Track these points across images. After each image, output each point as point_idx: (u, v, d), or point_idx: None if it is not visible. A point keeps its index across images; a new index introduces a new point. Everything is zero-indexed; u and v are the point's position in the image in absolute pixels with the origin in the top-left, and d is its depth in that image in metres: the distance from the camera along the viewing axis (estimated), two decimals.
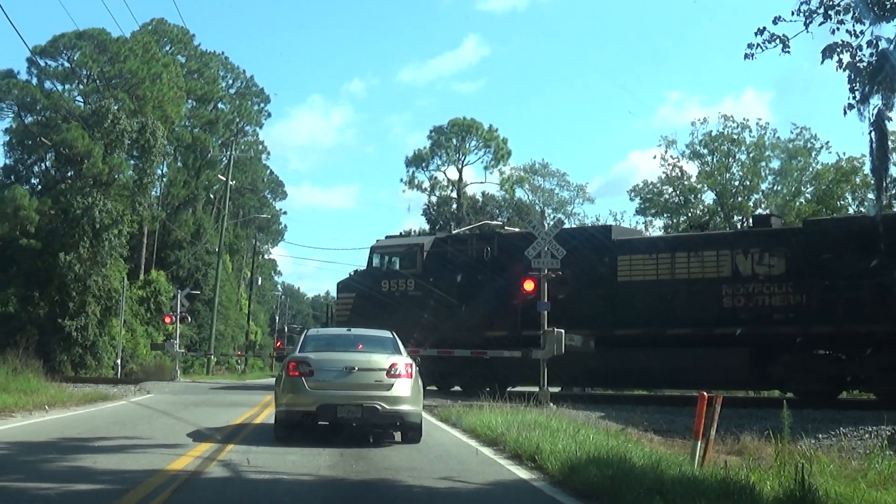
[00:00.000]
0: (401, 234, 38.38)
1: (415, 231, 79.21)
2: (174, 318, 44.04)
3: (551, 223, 28.68)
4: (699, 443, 13.28)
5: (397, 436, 15.52)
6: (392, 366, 14.82)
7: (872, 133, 10.93)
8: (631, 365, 27.33)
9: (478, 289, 29.40)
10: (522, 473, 12.08)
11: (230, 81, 77.77)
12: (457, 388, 31.23)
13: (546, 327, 26.26)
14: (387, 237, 33.91)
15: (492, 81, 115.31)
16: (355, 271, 33.07)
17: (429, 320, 29.26)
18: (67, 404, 22.36)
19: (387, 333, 16.70)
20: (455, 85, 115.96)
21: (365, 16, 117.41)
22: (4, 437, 14.42)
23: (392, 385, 14.63)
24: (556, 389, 28.00)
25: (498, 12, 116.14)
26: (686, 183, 61.44)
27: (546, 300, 26.28)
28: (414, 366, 15.25)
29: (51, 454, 12.24)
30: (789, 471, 10.81)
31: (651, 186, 63.49)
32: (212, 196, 75.47)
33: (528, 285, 26.83)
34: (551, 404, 24.36)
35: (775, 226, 27.93)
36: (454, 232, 36.60)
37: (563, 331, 26.27)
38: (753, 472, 11.31)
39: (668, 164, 61.43)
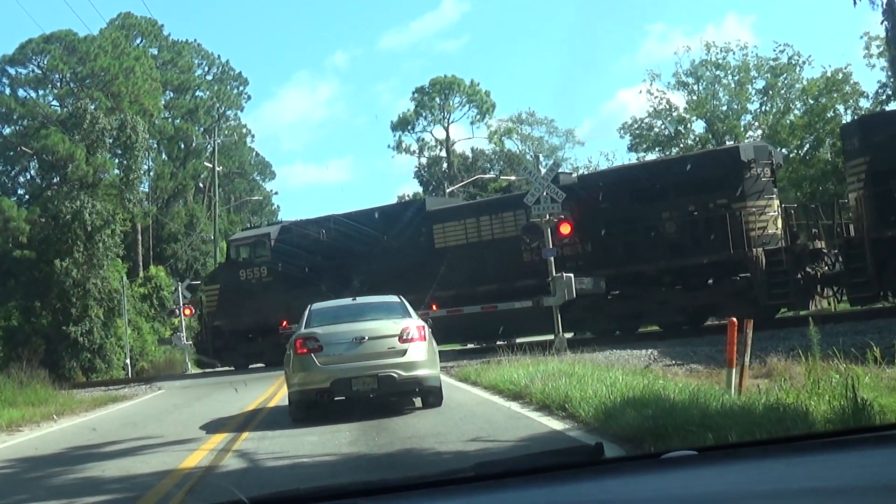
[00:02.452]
0: (250, 226, 42.44)
1: (409, 195, 79.00)
2: (193, 311, 41.75)
3: (547, 168, 28.05)
4: (733, 371, 12.68)
5: (417, 402, 14.91)
6: (403, 330, 14.12)
7: (886, 22, 10.18)
8: (455, 323, 28.65)
9: (318, 269, 31.28)
10: (554, 424, 11.46)
11: (206, 68, 76.62)
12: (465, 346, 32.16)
13: (554, 273, 25.96)
14: (241, 230, 37.49)
15: (474, 36, 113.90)
16: (219, 265, 36.04)
17: (281, 301, 31.06)
18: (77, 411, 21.71)
19: (394, 298, 16.01)
20: (438, 44, 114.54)
21: None
22: (9, 455, 13.75)
23: (406, 350, 13.95)
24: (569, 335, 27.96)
25: None
26: (675, 114, 60.59)
27: (551, 246, 25.86)
28: (426, 328, 14.56)
29: (57, 467, 11.59)
30: (832, 388, 10.19)
31: (640, 122, 62.47)
32: (201, 185, 74.51)
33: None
34: (568, 351, 23.91)
35: (563, 182, 28.30)
36: (448, 190, 37.52)
37: (572, 275, 25.88)
38: (800, 394, 10.64)
39: (655, 98, 60.35)
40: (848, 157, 26.91)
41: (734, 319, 12.69)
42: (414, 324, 14.36)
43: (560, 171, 30.40)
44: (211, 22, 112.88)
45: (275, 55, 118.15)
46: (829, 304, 27.96)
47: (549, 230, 26.06)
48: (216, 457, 11.11)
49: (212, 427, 14.67)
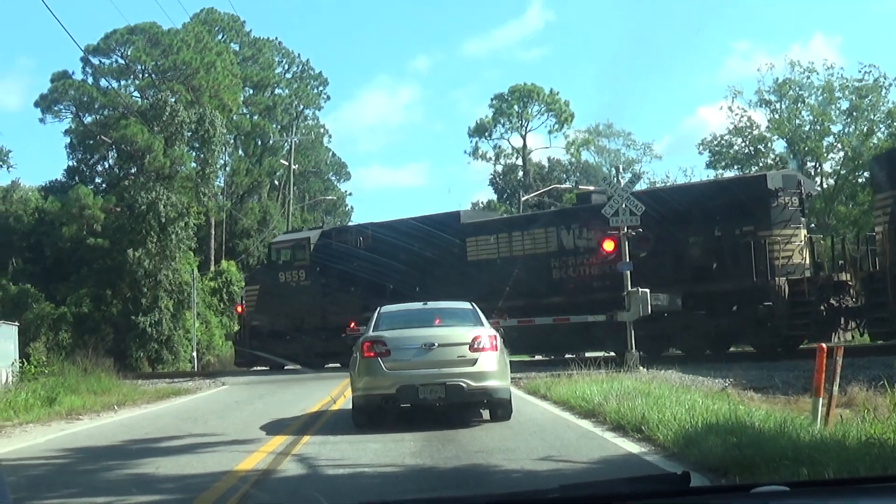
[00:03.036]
0: (292, 229, 43.54)
1: (482, 202, 78.50)
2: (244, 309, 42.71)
3: (626, 180, 27.39)
4: (820, 400, 11.94)
5: (485, 413, 14.36)
6: (475, 339, 13.59)
7: None
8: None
9: (354, 275, 32.14)
10: (630, 447, 10.84)
11: (286, 66, 76.92)
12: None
13: (629, 288, 25.34)
14: (283, 233, 38.13)
15: (557, 46, 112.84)
16: (259, 265, 37.33)
17: (318, 305, 32.79)
18: (139, 402, 21.53)
19: (466, 304, 15.49)
20: (520, 53, 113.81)
21: None
22: (66, 444, 13.48)
23: (476, 360, 13.41)
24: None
25: None
26: (755, 133, 59.54)
27: (627, 259, 25.31)
28: (498, 337, 14.01)
29: (111, 460, 11.24)
30: None
31: (720, 139, 61.71)
32: (276, 182, 74.78)
33: (608, 245, 25.77)
34: (641, 367, 23.36)
35: (595, 201, 29.10)
36: (523, 199, 37.93)
37: (647, 290, 25.28)
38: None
39: (736, 115, 59.55)
40: (876, 191, 26.91)
41: (823, 346, 11.94)
42: (486, 332, 13.83)
43: (594, 189, 31.31)
44: (294, 21, 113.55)
45: (357, 57, 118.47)
46: (853, 337, 27.00)
47: (626, 243, 25.57)
48: (274, 460, 10.67)
49: (272, 428, 14.27)
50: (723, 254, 26.56)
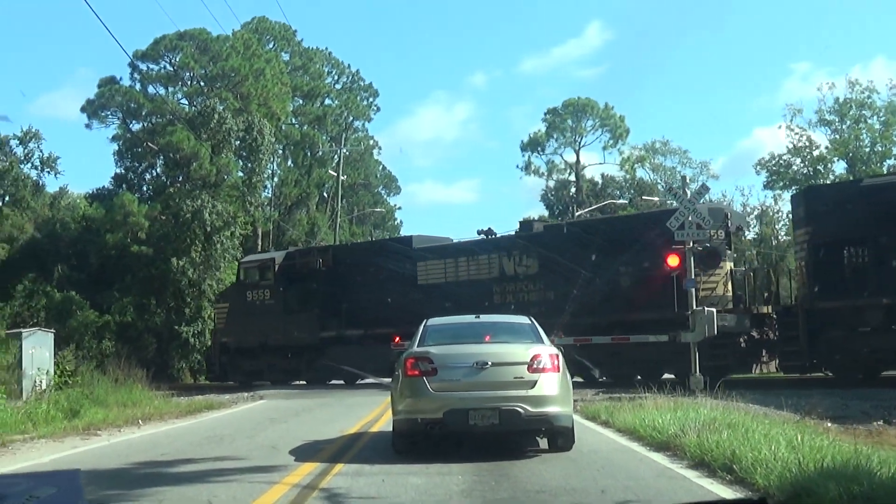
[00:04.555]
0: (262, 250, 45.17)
1: (535, 218, 76.70)
2: None
3: (693, 191, 25.60)
4: None
5: (542, 442, 12.69)
6: (534, 358, 11.91)
7: None
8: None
9: (314, 295, 33.70)
10: (721, 490, 9.09)
11: (336, 77, 75.80)
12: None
13: (695, 306, 23.76)
14: (251, 255, 39.73)
15: (614, 65, 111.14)
16: (230, 284, 39.02)
17: (281, 323, 33.90)
18: (167, 417, 20.04)
19: (524, 319, 13.82)
20: (577, 71, 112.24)
21: (486, 6, 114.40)
22: (71, 465, 11.92)
23: (536, 382, 11.74)
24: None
25: None
26: (815, 153, 58.13)
27: (692, 276, 23.74)
28: (561, 357, 12.30)
29: (111, 489, 9.67)
30: None
31: (778, 159, 60.26)
32: (325, 195, 73.64)
33: (673, 260, 24.24)
34: (705, 393, 21.66)
35: (536, 230, 30.86)
36: (576, 215, 38.59)
37: (714, 309, 23.66)
38: None
39: (796, 135, 58.34)
40: (795, 226, 28.26)
41: None
42: (547, 351, 12.14)
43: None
44: (351, 36, 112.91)
45: (415, 73, 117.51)
46: (775, 369, 27.28)
47: (692, 259, 23.94)
48: (298, 496, 9.07)
49: (303, 452, 12.69)
50: (648, 284, 26.53)
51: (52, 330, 27.53)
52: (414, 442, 12.15)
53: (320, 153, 70.23)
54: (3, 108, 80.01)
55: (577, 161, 78.59)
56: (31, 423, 16.99)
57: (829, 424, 18.06)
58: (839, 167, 58.15)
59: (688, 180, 26.86)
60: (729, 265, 27.56)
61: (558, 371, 12.02)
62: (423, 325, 13.43)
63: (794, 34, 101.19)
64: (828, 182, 53.73)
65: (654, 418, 14.11)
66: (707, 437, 11.15)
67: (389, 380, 22.91)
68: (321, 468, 11.03)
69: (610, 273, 27.13)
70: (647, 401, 17.74)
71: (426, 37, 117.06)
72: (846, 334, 24.26)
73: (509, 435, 12.35)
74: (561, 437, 12.26)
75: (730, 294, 27.06)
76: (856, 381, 23.78)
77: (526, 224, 33.77)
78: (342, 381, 32.20)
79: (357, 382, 31.22)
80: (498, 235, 32.05)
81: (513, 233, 32.63)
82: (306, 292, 33.74)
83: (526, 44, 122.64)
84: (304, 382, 33.05)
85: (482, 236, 31.79)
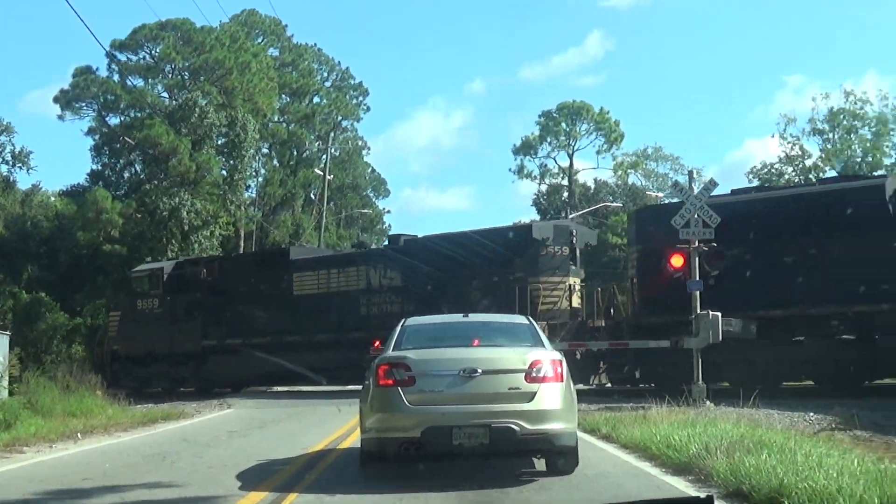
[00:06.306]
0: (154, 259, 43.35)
1: (525, 221, 74.82)
2: None
3: (700, 187, 23.63)
4: None
5: (539, 463, 10.63)
6: (533, 365, 9.81)
7: None
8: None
9: (198, 305, 33.88)
10: None
11: (325, 74, 73.63)
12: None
13: (701, 310, 21.87)
14: (142, 265, 39.62)
15: (612, 75, 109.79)
16: (123, 293, 39.19)
17: (167, 332, 33.86)
18: (113, 429, 17.74)
19: (521, 318, 11.73)
20: (576, 79, 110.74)
21: (487, 13, 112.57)
22: None
23: (535, 393, 9.66)
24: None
25: (622, 6, 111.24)
26: (807, 162, 57.94)
27: (698, 278, 22.00)
28: (564, 363, 10.19)
29: None
30: None
31: (769, 167, 59.97)
32: (311, 196, 71.54)
33: (677, 260, 22.58)
34: (708, 402, 20.24)
35: (401, 244, 31.48)
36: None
37: (719, 313, 21.88)
38: None
39: (788, 143, 58.28)
40: (628, 244, 30.31)
41: None
42: (548, 356, 10.02)
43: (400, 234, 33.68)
44: (350, 39, 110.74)
45: (413, 77, 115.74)
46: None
47: (697, 259, 22.09)
48: None
49: (253, 477, 10.54)
50: (497, 297, 27.19)
51: (8, 332, 25.39)
52: (386, 464, 10.05)
53: (307, 153, 68.21)
54: None
55: (571, 165, 76.92)
56: None
57: (859, 432, 16.68)
58: (831, 175, 57.60)
59: (695, 175, 24.73)
60: (573, 279, 28.65)
61: (561, 380, 9.93)
62: (400, 324, 11.29)
63: (788, 47, 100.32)
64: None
65: (668, 434, 12.07)
66: (742, 460, 9.06)
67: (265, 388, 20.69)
68: (269, 499, 8.91)
69: (462, 285, 28.06)
70: (652, 411, 16.05)
71: (425, 40, 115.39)
72: (671, 348, 23.73)
73: (501, 456, 10.32)
74: (562, 458, 10.21)
75: (570, 308, 28.07)
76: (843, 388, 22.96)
77: (394, 237, 35.00)
78: (229, 389, 32.12)
79: (242, 391, 31.67)
80: (368, 248, 33.18)
81: (382, 246, 33.22)
82: (191, 302, 34.22)
83: (526, 51, 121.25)
84: (193, 390, 32.84)
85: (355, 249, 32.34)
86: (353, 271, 31.31)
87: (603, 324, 27.79)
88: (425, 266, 28.85)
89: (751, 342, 23.79)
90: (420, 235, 31.85)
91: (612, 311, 28.43)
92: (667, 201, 29.15)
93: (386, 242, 33.26)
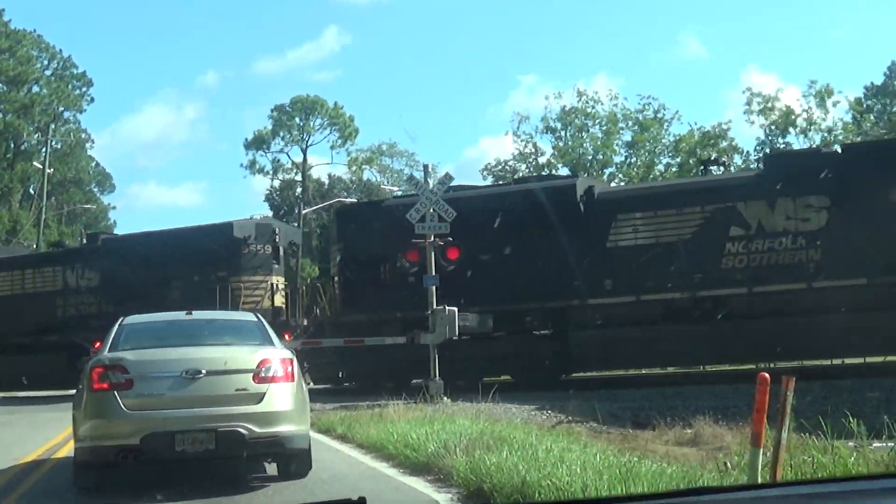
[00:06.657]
0: None
1: (259, 217, 73.62)
2: None
3: (436, 181, 23.72)
4: (759, 450, 8.42)
5: (270, 468, 10.24)
6: (262, 364, 9.44)
7: None
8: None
9: None
10: None
11: (45, 62, 69.79)
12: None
13: (435, 305, 22.13)
14: None
15: (348, 70, 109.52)
16: None
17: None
18: None
19: (249, 316, 11.39)
20: (313, 75, 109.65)
21: (220, 3, 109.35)
22: None
23: (264, 394, 9.31)
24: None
25: (360, 2, 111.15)
26: (541, 159, 59.52)
27: (434, 273, 22.29)
28: (295, 362, 9.85)
29: None
30: None
31: (504, 164, 61.28)
32: (31, 191, 67.80)
33: (412, 256, 22.92)
34: (445, 398, 20.32)
35: (98, 243, 31.74)
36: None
37: (455, 309, 22.11)
38: None
39: (522, 141, 59.49)
40: (330, 243, 30.53)
41: (766, 375, 8.41)
42: (277, 355, 9.67)
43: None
44: (72, 25, 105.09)
45: (143, 70, 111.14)
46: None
47: (433, 254, 22.26)
48: None
49: None
50: (199, 296, 26.13)
51: None
52: (103, 476, 9.35)
53: (25, 145, 64.60)
54: None
55: (305, 160, 76.49)
56: None
57: (577, 427, 17.01)
58: (563, 172, 59.47)
59: (430, 169, 24.73)
60: (276, 278, 28.77)
61: (292, 380, 9.60)
62: (117, 324, 10.60)
63: (523, 47, 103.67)
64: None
65: (406, 432, 11.93)
66: (481, 458, 9.00)
67: None
68: None
69: (162, 285, 27.43)
70: (389, 409, 15.96)
71: (156, 30, 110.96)
72: (372, 347, 24.16)
73: (229, 461, 9.84)
74: (295, 462, 9.90)
75: (273, 306, 27.68)
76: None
77: (92, 236, 35.17)
78: None
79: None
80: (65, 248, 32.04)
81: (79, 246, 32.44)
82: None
83: (261, 45, 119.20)
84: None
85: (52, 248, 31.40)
86: (50, 272, 30.58)
87: (305, 322, 28.00)
88: (124, 266, 28.29)
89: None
90: (120, 234, 31.09)
91: (315, 309, 28.41)
92: (400, 194, 28.38)
93: (84, 241, 31.38)
